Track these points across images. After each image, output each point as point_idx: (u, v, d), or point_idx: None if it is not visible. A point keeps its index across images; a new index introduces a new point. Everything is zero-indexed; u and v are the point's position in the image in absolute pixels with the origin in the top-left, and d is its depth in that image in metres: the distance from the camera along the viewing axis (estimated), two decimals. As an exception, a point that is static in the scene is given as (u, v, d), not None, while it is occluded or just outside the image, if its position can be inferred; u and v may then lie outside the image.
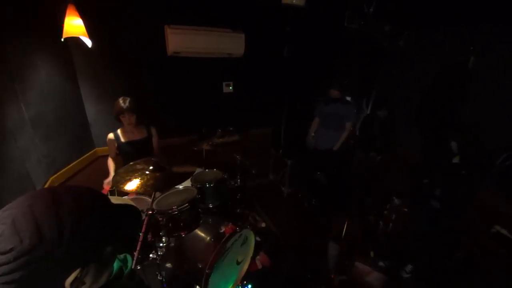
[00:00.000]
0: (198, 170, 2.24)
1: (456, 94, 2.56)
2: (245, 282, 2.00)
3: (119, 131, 2.16)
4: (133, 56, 2.58)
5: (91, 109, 2.59)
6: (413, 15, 2.67)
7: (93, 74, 2.50)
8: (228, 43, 2.80)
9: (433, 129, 2.74)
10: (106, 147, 2.22)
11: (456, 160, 1.98)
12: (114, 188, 2.52)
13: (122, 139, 2.15)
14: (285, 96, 3.47)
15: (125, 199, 1.71)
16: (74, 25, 1.88)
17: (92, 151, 2.66)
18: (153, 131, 2.34)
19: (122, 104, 2.01)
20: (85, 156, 2.52)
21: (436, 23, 2.70)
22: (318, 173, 3.39)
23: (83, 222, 0.52)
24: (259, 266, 2.26)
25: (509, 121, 2.14)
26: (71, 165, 2.31)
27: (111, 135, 2.14)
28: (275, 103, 3.52)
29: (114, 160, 2.19)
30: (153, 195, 1.43)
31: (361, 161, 3.51)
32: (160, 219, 1.54)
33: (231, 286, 1.90)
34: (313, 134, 3.31)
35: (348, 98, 3.22)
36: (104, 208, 0.59)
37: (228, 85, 3.21)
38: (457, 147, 1.99)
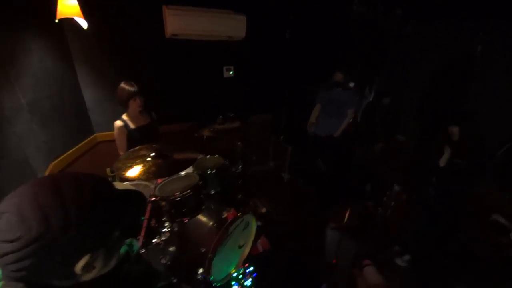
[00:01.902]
0: (199, 156, 2.23)
1: (459, 86, 2.52)
2: (247, 264, 2.05)
3: (124, 117, 2.09)
4: (130, 38, 2.50)
5: (89, 94, 2.54)
6: (420, 5, 2.58)
7: (89, 57, 2.42)
8: (229, 26, 2.70)
9: (435, 119, 2.72)
10: (107, 132, 2.18)
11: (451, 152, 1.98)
12: (114, 173, 2.54)
13: (132, 126, 2.09)
14: (287, 82, 3.41)
15: (127, 185, 1.71)
16: (68, 5, 1.79)
17: (92, 137, 2.63)
18: (155, 116, 2.31)
19: (131, 88, 1.96)
20: (85, 141, 2.50)
21: (442, 15, 2.61)
22: (318, 159, 3.41)
23: (88, 208, 0.51)
24: (260, 249, 2.31)
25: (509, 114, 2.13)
26: (71, 151, 2.29)
27: (119, 123, 2.05)
28: (277, 89, 3.47)
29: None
30: (156, 182, 1.42)
31: (362, 149, 3.51)
32: (163, 204, 1.55)
33: (233, 268, 1.95)
34: (314, 120, 3.28)
35: (351, 85, 3.16)
36: (108, 194, 0.58)
37: (229, 70, 3.14)
38: (458, 132, 1.98)
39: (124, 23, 2.42)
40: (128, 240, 0.86)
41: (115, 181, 2.53)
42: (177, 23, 2.44)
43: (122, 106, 2.06)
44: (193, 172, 1.98)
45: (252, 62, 3.20)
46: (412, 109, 3.08)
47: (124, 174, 1.32)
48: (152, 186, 1.69)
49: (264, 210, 2.92)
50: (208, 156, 2.30)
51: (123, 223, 0.61)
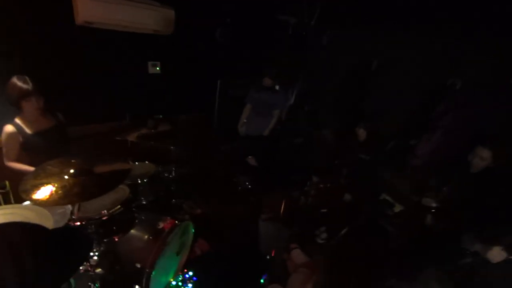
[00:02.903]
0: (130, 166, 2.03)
1: (362, 88, 3.15)
2: (185, 270, 2.04)
3: (18, 121, 1.69)
4: (30, 22, 1.99)
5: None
6: (335, 18, 3.03)
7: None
8: (155, 18, 2.48)
9: (345, 117, 3.31)
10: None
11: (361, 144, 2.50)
12: (4, 190, 2.03)
13: (28, 131, 1.70)
14: (218, 82, 3.42)
15: (35, 208, 1.41)
16: None
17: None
18: (62, 117, 1.95)
19: (24, 85, 1.57)
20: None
21: (350, 25, 3.14)
22: (250, 157, 3.61)
23: (24, 263, 0.45)
24: (198, 252, 2.32)
25: (399, 112, 2.82)
26: None
27: (10, 128, 1.64)
28: (208, 88, 3.43)
29: (18, 161, 1.73)
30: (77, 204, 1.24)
31: (286, 144, 3.91)
32: (88, 227, 1.37)
33: (171, 277, 1.91)
34: (244, 120, 3.44)
35: (277, 88, 3.45)
36: (44, 241, 0.52)
37: (155, 65, 2.89)
38: (365, 134, 2.51)
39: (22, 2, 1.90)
40: None
41: (8, 198, 2.04)
42: (91, 9, 2.08)
43: (13, 106, 1.65)
44: (120, 182, 1.80)
45: (181, 59, 3.05)
46: (329, 108, 3.63)
47: (36, 198, 1.10)
48: (69, 206, 1.44)
49: (199, 211, 2.92)
50: (137, 163, 2.12)
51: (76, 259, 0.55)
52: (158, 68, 2.93)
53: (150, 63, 2.84)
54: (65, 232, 0.60)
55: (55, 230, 0.57)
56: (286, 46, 3.70)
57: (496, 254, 1.52)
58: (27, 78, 1.62)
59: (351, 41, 3.25)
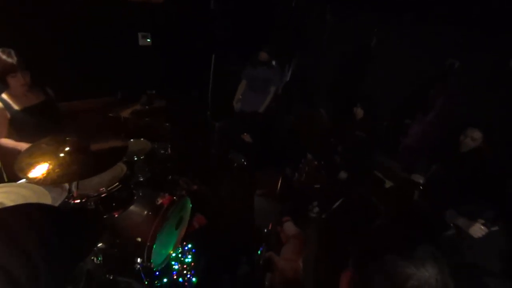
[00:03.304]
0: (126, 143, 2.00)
1: (359, 69, 3.10)
2: (184, 243, 2.12)
3: (5, 96, 1.62)
4: None
5: None
6: None
7: None
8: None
9: (341, 96, 3.29)
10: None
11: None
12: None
13: (15, 107, 1.64)
14: (212, 55, 3.27)
15: (31, 186, 1.40)
16: None
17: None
18: (51, 92, 1.87)
19: (9, 59, 1.48)
20: None
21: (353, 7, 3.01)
22: (245, 134, 3.60)
23: (51, 244, 0.46)
24: (196, 226, 2.41)
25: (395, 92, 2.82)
26: None
27: None
28: (202, 62, 3.29)
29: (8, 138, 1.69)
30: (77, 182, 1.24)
31: (280, 122, 3.91)
32: (88, 204, 1.38)
33: (171, 249, 2.00)
34: (240, 96, 3.38)
35: (274, 63, 3.34)
36: (62, 220, 0.52)
37: (145, 37, 2.74)
38: (362, 113, 2.53)
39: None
40: None
41: (1, 177, 2.00)
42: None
43: None
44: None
45: (173, 30, 2.88)
46: (325, 86, 3.58)
47: (32, 177, 1.09)
48: (66, 185, 1.42)
49: (195, 187, 2.96)
50: (132, 140, 2.09)
51: (87, 243, 0.57)
52: (148, 40, 2.77)
53: (140, 34, 2.68)
54: (74, 210, 0.60)
55: (67, 209, 0.57)
56: (286, 20, 3.52)
57: (478, 229, 1.64)
58: (12, 51, 1.52)
59: (350, 19, 3.12)
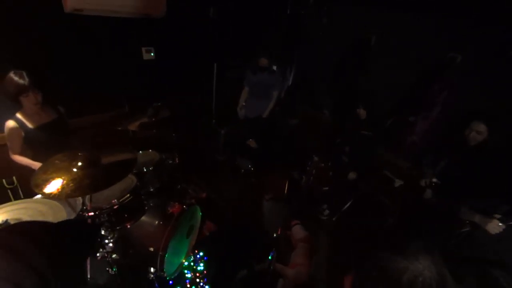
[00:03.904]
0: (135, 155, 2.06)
1: (360, 66, 3.10)
2: (196, 251, 2.14)
3: (19, 115, 1.70)
4: (20, 13, 1.91)
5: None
6: None
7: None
8: (145, 0, 2.38)
9: (343, 97, 3.29)
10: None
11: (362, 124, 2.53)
12: (12, 186, 2.07)
13: (30, 125, 1.71)
14: (214, 64, 3.34)
15: (46, 201, 1.45)
16: None
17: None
18: (63, 110, 1.96)
19: (21, 81, 1.57)
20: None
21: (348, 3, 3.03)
22: (250, 139, 3.63)
23: (56, 253, 0.49)
24: (207, 233, 2.42)
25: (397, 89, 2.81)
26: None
27: (11, 123, 1.67)
28: (204, 72, 3.36)
29: (22, 155, 1.76)
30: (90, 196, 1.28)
31: (284, 125, 3.93)
32: (101, 216, 1.42)
33: (183, 258, 2.02)
34: (243, 103, 3.42)
35: (275, 68, 3.39)
36: (61, 233, 0.55)
37: (149, 51, 2.82)
38: (365, 113, 2.53)
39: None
40: None
41: (18, 194, 2.08)
42: (78, -5, 1.99)
43: (12, 102, 1.65)
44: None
45: (175, 42, 2.96)
46: (327, 88, 3.59)
47: (47, 193, 1.13)
48: (79, 199, 1.47)
49: (204, 195, 2.99)
50: (141, 152, 2.14)
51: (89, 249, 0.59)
52: (152, 54, 2.85)
53: (144, 48, 2.76)
54: (72, 223, 0.63)
55: (63, 223, 0.60)
56: (283, 25, 3.58)
57: (495, 226, 1.60)
58: (23, 73, 1.60)
59: (348, 18, 3.14)
